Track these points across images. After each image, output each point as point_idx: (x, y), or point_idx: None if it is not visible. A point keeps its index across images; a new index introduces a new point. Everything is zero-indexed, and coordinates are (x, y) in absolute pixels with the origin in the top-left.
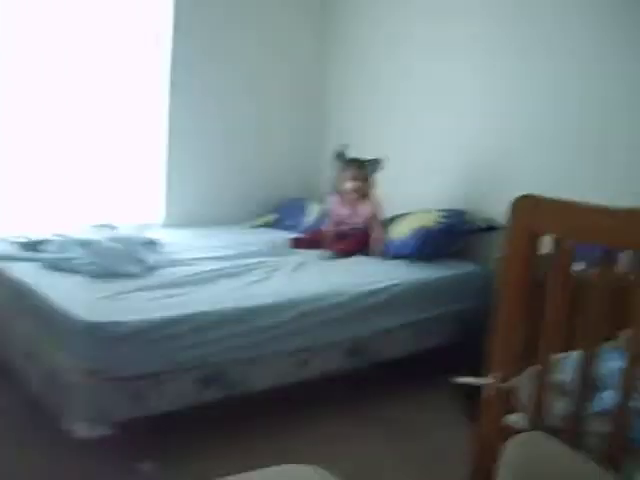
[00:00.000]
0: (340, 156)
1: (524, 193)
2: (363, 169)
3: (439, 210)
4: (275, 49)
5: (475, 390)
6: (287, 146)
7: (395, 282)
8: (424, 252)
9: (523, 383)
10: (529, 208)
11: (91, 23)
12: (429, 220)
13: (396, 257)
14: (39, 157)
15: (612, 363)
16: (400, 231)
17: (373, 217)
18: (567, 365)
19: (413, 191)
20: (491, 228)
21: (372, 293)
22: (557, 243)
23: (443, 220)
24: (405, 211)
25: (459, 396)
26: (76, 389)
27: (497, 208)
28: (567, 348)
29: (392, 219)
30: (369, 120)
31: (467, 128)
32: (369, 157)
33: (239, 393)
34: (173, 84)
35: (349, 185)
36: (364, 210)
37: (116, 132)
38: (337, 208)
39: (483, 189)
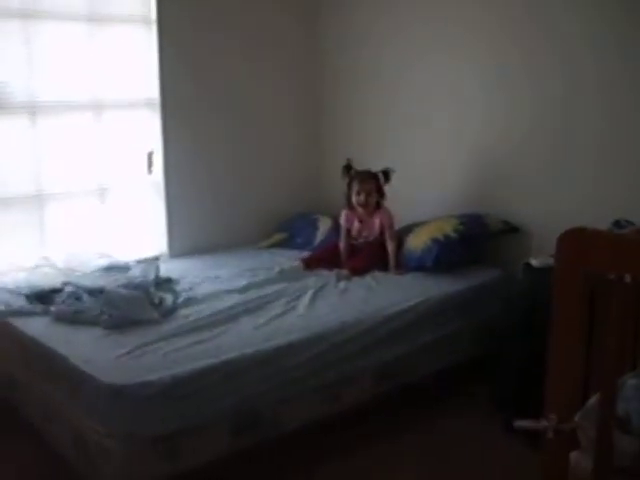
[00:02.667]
0: (348, 169)
1: (572, 227)
2: (374, 180)
3: (456, 217)
4: (270, 64)
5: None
6: (288, 161)
7: (419, 300)
8: (444, 263)
9: (584, 420)
10: (579, 243)
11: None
12: (447, 229)
13: (416, 269)
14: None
15: None
16: (419, 242)
17: (387, 228)
18: (627, 394)
19: (423, 195)
20: (511, 230)
21: (397, 315)
22: (616, 279)
23: (461, 228)
24: (411, 216)
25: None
26: (107, 453)
27: (512, 205)
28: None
29: (410, 228)
30: (371, 127)
31: (472, 127)
32: (379, 168)
33: (273, 436)
34: (165, 107)
35: (361, 198)
36: (377, 222)
37: (112, 163)
38: (350, 222)
39: (494, 186)
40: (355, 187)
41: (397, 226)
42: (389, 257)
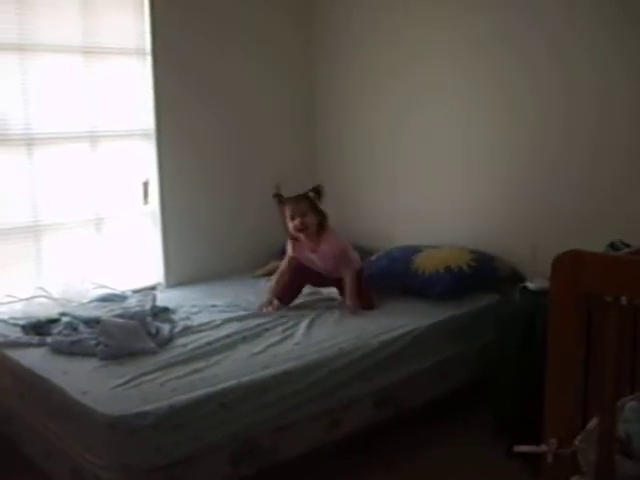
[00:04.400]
0: (277, 197)
1: (568, 249)
2: (305, 201)
3: (469, 251)
4: (267, 92)
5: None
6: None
7: (415, 325)
8: (451, 294)
9: (584, 444)
10: (575, 265)
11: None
12: (461, 261)
13: (421, 293)
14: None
15: None
16: (429, 266)
17: (339, 257)
18: (628, 415)
19: (422, 208)
20: (518, 279)
21: (394, 340)
22: (613, 301)
23: (473, 264)
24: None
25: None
26: None
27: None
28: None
29: (419, 248)
30: (363, 143)
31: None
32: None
33: (272, 464)
34: (160, 138)
35: (296, 222)
36: (328, 249)
37: (108, 193)
38: (301, 255)
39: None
40: (288, 212)
41: (394, 244)
42: (348, 291)
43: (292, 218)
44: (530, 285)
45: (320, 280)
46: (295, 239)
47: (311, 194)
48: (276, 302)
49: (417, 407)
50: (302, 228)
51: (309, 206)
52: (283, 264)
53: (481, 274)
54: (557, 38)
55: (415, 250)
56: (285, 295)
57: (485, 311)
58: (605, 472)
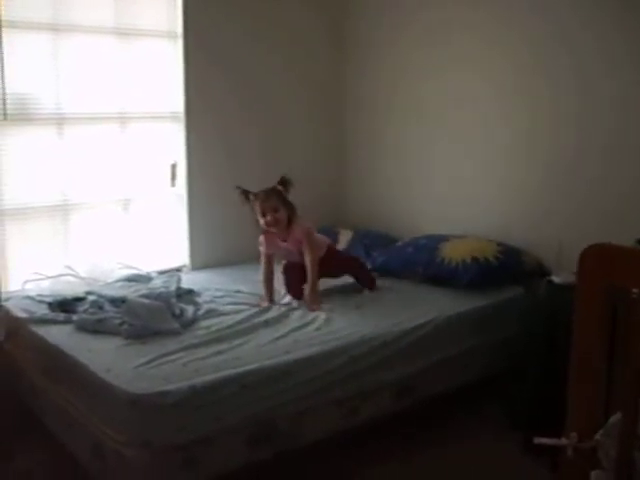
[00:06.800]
0: (246, 194)
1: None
2: (275, 195)
3: (496, 243)
4: (296, 77)
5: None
6: (310, 174)
7: (436, 314)
8: (477, 284)
9: (605, 439)
10: (602, 258)
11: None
12: (488, 252)
13: (441, 282)
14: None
15: None
16: (456, 255)
17: (304, 242)
18: None
19: (448, 210)
20: (543, 274)
21: (415, 329)
22: (639, 296)
23: (500, 256)
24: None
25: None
26: (124, 461)
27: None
28: None
29: (445, 237)
30: (393, 140)
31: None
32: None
33: (289, 448)
34: (189, 120)
35: (268, 218)
36: (295, 236)
37: (136, 174)
38: (274, 245)
39: (516, 201)
40: (258, 209)
41: (412, 235)
42: (308, 275)
43: (263, 214)
44: (555, 279)
45: (305, 270)
46: (267, 231)
47: (279, 187)
48: (266, 299)
49: (436, 398)
50: (274, 224)
51: (279, 201)
52: (263, 265)
53: (507, 266)
54: (574, 41)
55: (442, 239)
56: (293, 292)
57: (509, 304)
58: (625, 468)
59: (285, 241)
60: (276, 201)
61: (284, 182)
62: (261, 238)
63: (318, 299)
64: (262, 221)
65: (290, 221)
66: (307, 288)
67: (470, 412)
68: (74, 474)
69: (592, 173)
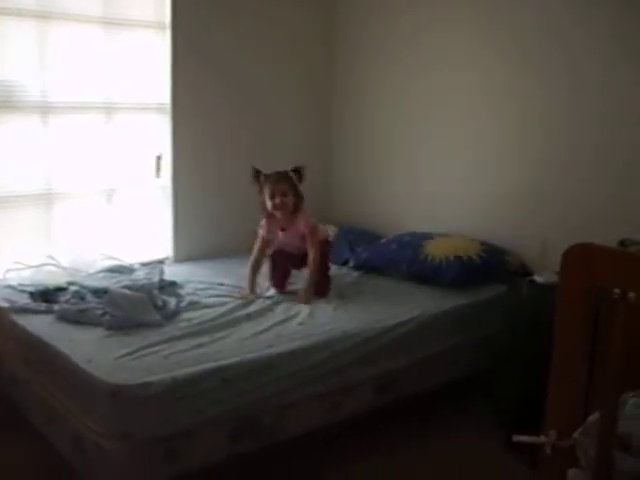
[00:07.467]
0: (257, 174)
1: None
2: (286, 180)
3: (479, 242)
4: (285, 69)
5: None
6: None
7: (420, 312)
8: (459, 283)
9: (583, 437)
10: (585, 258)
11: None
12: (471, 251)
13: (430, 279)
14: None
15: None
16: (439, 252)
17: (308, 235)
18: (628, 412)
19: (436, 208)
20: (526, 274)
21: (397, 326)
22: (620, 297)
23: (484, 255)
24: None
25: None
26: (105, 454)
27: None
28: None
29: (429, 235)
30: (381, 137)
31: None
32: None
33: (271, 442)
34: (175, 112)
35: (277, 200)
36: (298, 228)
37: (121, 165)
38: (273, 232)
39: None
40: (267, 190)
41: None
42: (309, 272)
43: (272, 196)
44: (538, 278)
45: (294, 262)
46: (271, 217)
47: (292, 174)
48: (249, 289)
49: (418, 395)
50: (281, 207)
51: (290, 186)
52: (256, 251)
53: (490, 265)
54: (567, 39)
55: (426, 236)
56: (277, 283)
57: (491, 302)
58: (603, 467)
59: (284, 230)
60: (286, 185)
61: (298, 170)
62: (263, 221)
63: (313, 297)
64: (269, 203)
65: (295, 210)
66: (305, 284)
67: (455, 409)
68: (58, 468)
69: (582, 174)
